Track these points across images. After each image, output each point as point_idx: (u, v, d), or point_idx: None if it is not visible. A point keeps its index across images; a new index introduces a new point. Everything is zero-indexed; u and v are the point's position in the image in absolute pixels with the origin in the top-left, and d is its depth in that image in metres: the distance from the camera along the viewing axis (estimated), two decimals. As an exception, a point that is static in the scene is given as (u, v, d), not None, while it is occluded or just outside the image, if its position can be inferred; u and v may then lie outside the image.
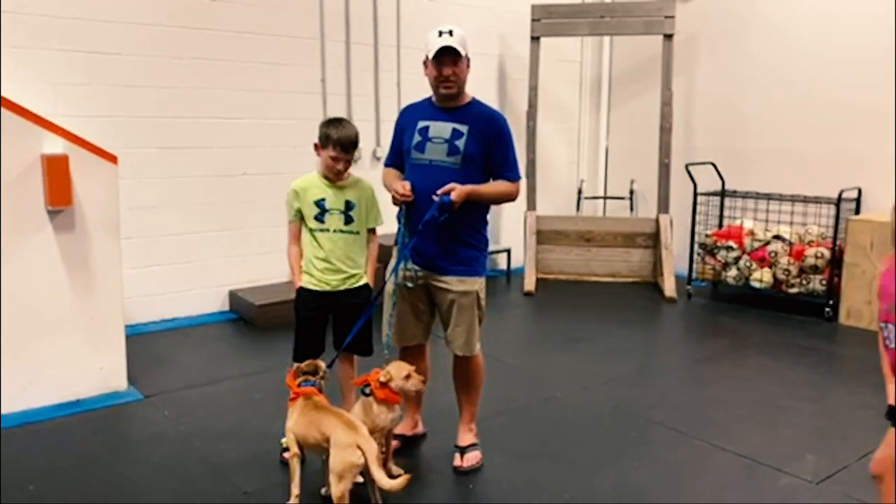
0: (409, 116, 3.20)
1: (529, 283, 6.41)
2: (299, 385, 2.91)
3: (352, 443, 2.60)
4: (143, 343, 4.74)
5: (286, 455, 2.96)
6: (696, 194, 6.17)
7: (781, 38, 6.21)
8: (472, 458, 3.24)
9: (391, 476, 2.76)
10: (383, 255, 3.40)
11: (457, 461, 3.22)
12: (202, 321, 5.34)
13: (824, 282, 5.50)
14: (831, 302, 5.48)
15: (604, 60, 7.61)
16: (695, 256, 6.24)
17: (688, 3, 6.74)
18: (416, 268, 3.13)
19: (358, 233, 3.28)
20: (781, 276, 5.66)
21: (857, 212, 5.59)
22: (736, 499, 3.00)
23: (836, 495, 3.01)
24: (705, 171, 6.33)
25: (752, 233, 5.91)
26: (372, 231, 3.37)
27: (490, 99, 5.61)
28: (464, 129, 3.05)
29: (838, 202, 5.40)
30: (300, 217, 3.25)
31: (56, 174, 3.64)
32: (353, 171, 3.31)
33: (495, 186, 3.12)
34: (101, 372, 3.94)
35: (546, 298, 6.25)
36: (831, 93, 5.90)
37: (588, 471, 3.23)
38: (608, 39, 7.50)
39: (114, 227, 3.92)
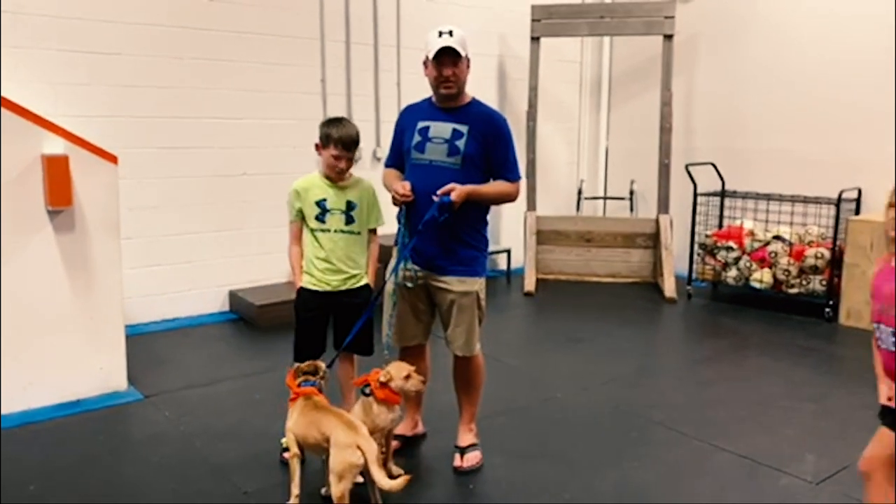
0: (410, 117, 3.20)
1: (529, 284, 6.41)
2: (299, 385, 2.91)
3: (352, 443, 2.60)
4: (143, 343, 4.74)
5: (286, 455, 2.96)
6: (696, 195, 6.17)
7: (781, 39, 6.21)
8: (472, 458, 3.24)
9: (391, 476, 2.76)
10: (383, 256, 3.40)
11: (457, 461, 3.22)
12: (202, 321, 5.34)
13: (824, 282, 5.50)
14: (831, 302, 5.49)
15: (604, 61, 7.61)
16: (695, 257, 6.24)
17: (688, 3, 6.75)
18: (416, 268, 3.13)
19: (359, 233, 3.28)
20: (781, 277, 5.67)
21: (857, 212, 5.60)
22: (736, 499, 3.00)
23: (836, 495, 3.01)
24: (705, 171, 6.33)
25: (752, 233, 5.91)
26: (373, 231, 3.37)
27: (490, 99, 5.62)
28: (464, 129, 3.05)
29: (838, 202, 5.40)
30: (301, 217, 3.25)
31: (56, 174, 3.64)
32: (354, 171, 3.32)
33: (495, 186, 3.12)
34: (101, 372, 3.94)
35: (546, 299, 6.25)
36: (831, 93, 5.90)
37: (588, 471, 3.23)
38: (608, 40, 7.50)
39: (114, 227, 3.92)
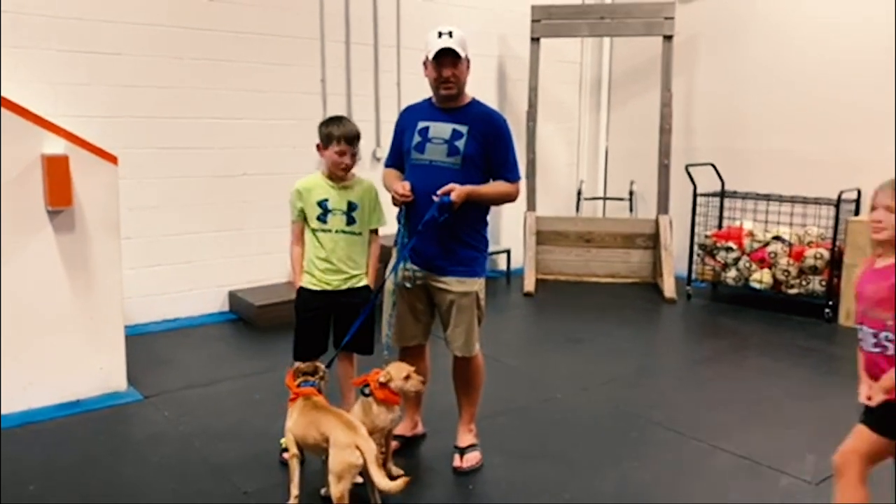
0: (409, 117, 3.21)
1: (529, 284, 6.41)
2: (299, 385, 2.92)
3: (351, 443, 2.61)
4: (142, 343, 4.74)
5: (286, 455, 2.96)
6: (695, 195, 6.18)
7: (781, 39, 6.21)
8: (472, 458, 3.24)
9: (391, 476, 2.76)
10: (383, 256, 3.40)
11: (456, 462, 3.22)
12: (202, 321, 5.34)
13: (824, 283, 5.50)
14: (831, 303, 5.49)
15: (604, 61, 7.61)
16: (694, 257, 6.24)
17: (688, 4, 6.75)
18: (416, 268, 3.13)
19: (360, 234, 3.28)
20: (781, 277, 5.67)
21: (857, 213, 5.59)
22: (736, 499, 3.01)
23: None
24: (705, 171, 6.34)
25: (751, 234, 5.91)
26: (374, 232, 3.37)
27: (490, 99, 5.61)
28: (463, 129, 3.05)
29: (838, 203, 5.41)
30: (303, 217, 3.25)
31: (56, 174, 3.64)
32: (353, 171, 3.32)
33: (495, 187, 3.12)
34: (101, 372, 3.94)
35: (546, 299, 6.25)
36: (831, 93, 5.90)
37: (588, 471, 3.23)
38: (608, 40, 7.50)
39: (114, 228, 3.92)
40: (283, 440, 3.03)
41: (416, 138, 3.10)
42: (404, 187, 3.05)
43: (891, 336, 2.25)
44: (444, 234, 3.03)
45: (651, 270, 6.69)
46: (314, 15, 5.71)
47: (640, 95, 7.27)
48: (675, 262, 6.44)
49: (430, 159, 3.06)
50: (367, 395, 2.94)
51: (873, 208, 2.34)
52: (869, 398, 2.28)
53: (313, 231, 3.23)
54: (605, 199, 7.68)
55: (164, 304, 5.27)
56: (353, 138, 3.19)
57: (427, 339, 3.35)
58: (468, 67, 3.06)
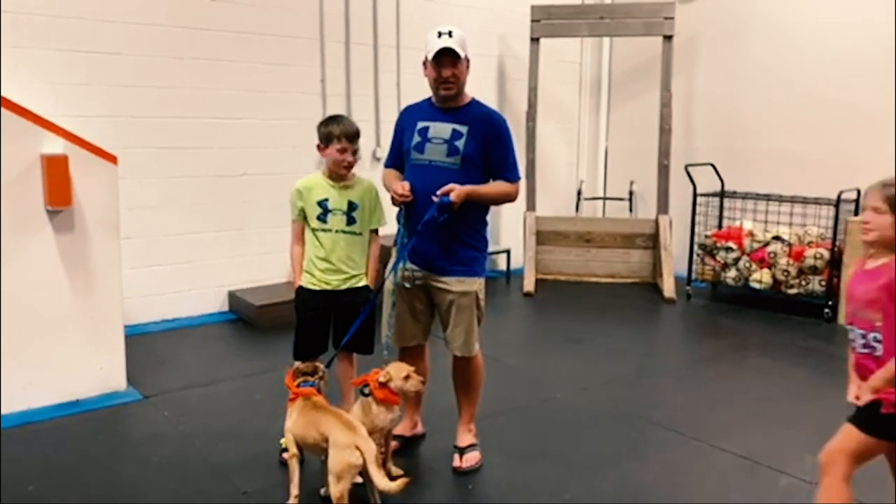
0: (409, 117, 3.21)
1: (529, 284, 6.41)
2: (298, 385, 2.92)
3: (350, 443, 2.61)
4: (142, 343, 4.74)
5: (285, 455, 2.96)
6: (695, 195, 6.18)
7: (781, 39, 6.21)
8: (472, 458, 3.24)
9: (390, 476, 2.76)
10: (383, 256, 3.40)
11: (456, 462, 3.22)
12: (202, 321, 5.34)
13: (823, 283, 5.50)
14: (830, 303, 5.49)
15: (603, 61, 7.61)
16: (694, 257, 6.25)
17: (687, 4, 6.75)
18: (415, 268, 3.13)
19: (360, 234, 3.28)
20: (781, 277, 5.67)
21: (857, 213, 5.57)
22: (736, 499, 3.01)
23: (835, 496, 3.01)
24: (705, 171, 6.34)
25: (751, 234, 5.91)
26: (374, 232, 3.37)
27: (490, 99, 5.61)
28: (463, 129, 3.05)
29: (837, 203, 5.41)
30: (303, 217, 3.26)
31: (56, 174, 3.64)
32: (353, 170, 3.32)
33: (495, 187, 3.12)
34: (101, 372, 3.94)
35: (545, 299, 6.25)
36: (831, 93, 5.90)
37: (588, 471, 3.23)
38: (608, 40, 7.50)
39: (113, 228, 3.92)
40: (282, 440, 3.03)
41: (416, 138, 3.10)
42: (404, 187, 3.05)
43: (879, 337, 2.27)
44: (443, 234, 3.03)
45: (651, 270, 6.69)
46: (314, 15, 5.71)
47: (640, 95, 7.27)
48: (674, 262, 6.44)
49: (430, 159, 3.06)
50: (366, 395, 2.94)
51: (863, 209, 2.36)
52: (857, 398, 2.31)
53: (313, 231, 3.23)
54: (604, 199, 7.68)
55: (164, 304, 5.27)
56: (353, 135, 3.20)
57: (427, 339, 3.35)
58: (468, 67, 3.06)
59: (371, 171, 5.70)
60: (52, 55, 4.63)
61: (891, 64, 5.51)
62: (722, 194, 6.32)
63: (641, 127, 7.10)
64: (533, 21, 6.64)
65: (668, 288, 6.19)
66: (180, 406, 3.87)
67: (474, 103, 3.14)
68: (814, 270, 5.53)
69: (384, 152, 3.51)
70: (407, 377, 2.93)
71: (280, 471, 3.12)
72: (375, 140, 6.11)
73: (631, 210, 7.26)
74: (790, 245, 5.70)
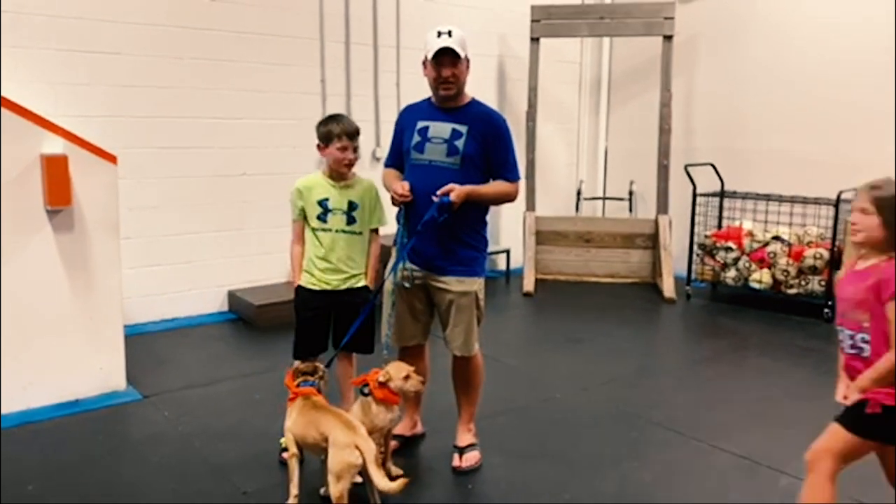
0: (409, 117, 3.21)
1: (528, 284, 6.41)
2: (298, 385, 2.92)
3: (350, 443, 2.61)
4: (142, 343, 4.74)
5: (285, 455, 2.96)
6: (695, 195, 6.18)
7: (781, 39, 6.21)
8: (471, 458, 3.24)
9: (390, 476, 2.76)
10: (383, 256, 3.40)
11: (455, 461, 3.22)
12: (201, 321, 5.33)
13: (823, 283, 5.50)
14: (830, 303, 5.48)
15: (603, 61, 7.61)
16: (694, 257, 6.24)
17: (687, 4, 6.75)
18: (414, 268, 3.13)
19: (360, 233, 3.28)
20: (780, 277, 5.67)
21: (857, 213, 5.59)
22: (736, 499, 3.01)
23: (835, 496, 3.00)
24: (704, 171, 6.34)
25: (751, 234, 5.91)
26: (374, 231, 3.37)
27: (490, 99, 5.61)
28: (463, 129, 3.05)
29: (837, 203, 5.40)
30: (304, 216, 3.26)
31: (55, 174, 3.64)
32: (353, 169, 3.32)
33: (494, 187, 3.12)
34: (101, 372, 3.94)
35: (545, 299, 6.25)
36: (831, 93, 5.90)
37: (588, 471, 3.23)
38: (608, 40, 7.50)
39: (113, 227, 3.92)
40: (282, 440, 3.03)
41: (416, 138, 3.10)
42: (403, 187, 3.05)
43: (867, 338, 2.29)
44: (443, 234, 3.03)
45: (651, 270, 6.69)
46: (314, 15, 5.71)
47: (640, 95, 7.27)
48: (674, 262, 6.44)
49: (430, 159, 3.06)
50: (366, 395, 2.94)
51: (852, 211, 2.36)
52: (845, 397, 2.33)
53: (313, 230, 3.23)
54: (604, 199, 7.68)
55: (164, 303, 5.27)
56: (353, 133, 3.20)
57: (426, 338, 3.35)
58: (468, 67, 3.05)
59: (371, 170, 5.71)
60: (51, 55, 4.63)
61: (891, 64, 5.51)
62: (722, 194, 6.32)
63: (641, 127, 7.10)
64: (533, 21, 6.64)
65: (668, 288, 6.19)
66: (180, 406, 3.87)
67: (474, 103, 3.14)
68: (813, 270, 5.53)
69: (384, 152, 3.51)
70: (407, 377, 2.93)
71: (280, 470, 3.12)
72: (375, 140, 6.11)
73: (631, 210, 7.26)
74: (790, 245, 5.70)
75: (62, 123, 3.77)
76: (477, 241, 3.17)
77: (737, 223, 6.11)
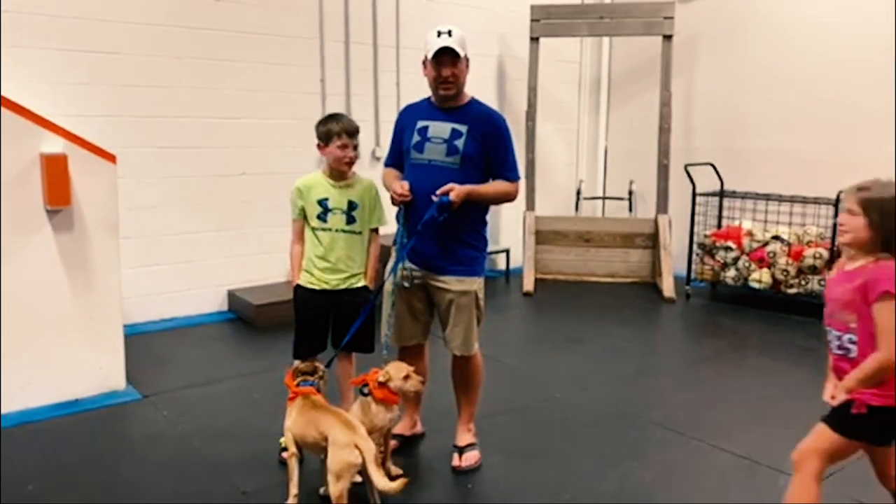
0: (409, 116, 3.20)
1: (528, 284, 6.41)
2: (298, 385, 2.92)
3: (350, 442, 2.60)
4: (141, 343, 4.74)
5: (284, 455, 2.96)
6: (694, 195, 6.18)
7: (781, 39, 6.21)
8: (471, 457, 3.23)
9: (389, 476, 2.76)
10: (383, 256, 3.40)
11: (455, 461, 3.22)
12: (201, 321, 5.33)
13: (823, 282, 5.50)
14: (830, 302, 5.48)
15: (603, 61, 7.61)
16: (693, 257, 6.24)
17: (687, 4, 6.75)
18: (414, 267, 3.13)
19: (360, 233, 3.28)
20: (780, 277, 5.67)
21: (856, 212, 5.59)
22: (736, 499, 3.01)
23: (835, 495, 3.00)
24: (704, 171, 6.33)
25: (750, 233, 5.91)
26: (374, 231, 3.37)
27: (489, 99, 5.60)
28: (463, 129, 3.04)
29: (836, 203, 5.40)
30: (304, 215, 3.26)
31: (55, 174, 3.63)
32: (353, 169, 3.31)
33: (494, 186, 3.12)
34: (100, 372, 3.94)
35: (545, 299, 6.25)
36: (831, 93, 5.90)
37: (588, 471, 3.23)
38: (607, 40, 7.50)
39: (113, 227, 3.91)
40: (282, 439, 3.03)
41: (416, 137, 3.10)
42: (403, 187, 3.05)
43: (853, 338, 2.30)
44: (443, 233, 3.03)
45: (650, 270, 6.69)
46: (314, 15, 5.71)
47: (640, 95, 7.27)
48: (674, 261, 6.44)
49: (430, 159, 3.06)
50: (365, 395, 2.93)
51: (841, 212, 2.37)
52: (833, 398, 2.34)
53: (313, 230, 3.23)
54: (604, 198, 7.68)
55: (163, 303, 5.27)
56: (353, 132, 3.21)
57: (426, 338, 3.35)
58: (467, 67, 3.05)
59: (370, 170, 5.70)
60: (51, 55, 4.63)
61: (891, 64, 5.51)
62: (721, 194, 6.32)
63: (641, 127, 7.10)
64: (533, 21, 6.64)
65: (668, 287, 6.19)
66: (179, 405, 3.86)
67: (474, 103, 3.14)
68: (813, 270, 5.53)
69: (384, 152, 3.52)
70: (406, 377, 2.93)
71: (279, 470, 3.12)
72: (375, 140, 6.11)
73: (630, 210, 7.26)
74: (789, 245, 5.70)
75: (62, 123, 3.77)
76: (477, 241, 3.17)
77: (736, 223, 6.11)
